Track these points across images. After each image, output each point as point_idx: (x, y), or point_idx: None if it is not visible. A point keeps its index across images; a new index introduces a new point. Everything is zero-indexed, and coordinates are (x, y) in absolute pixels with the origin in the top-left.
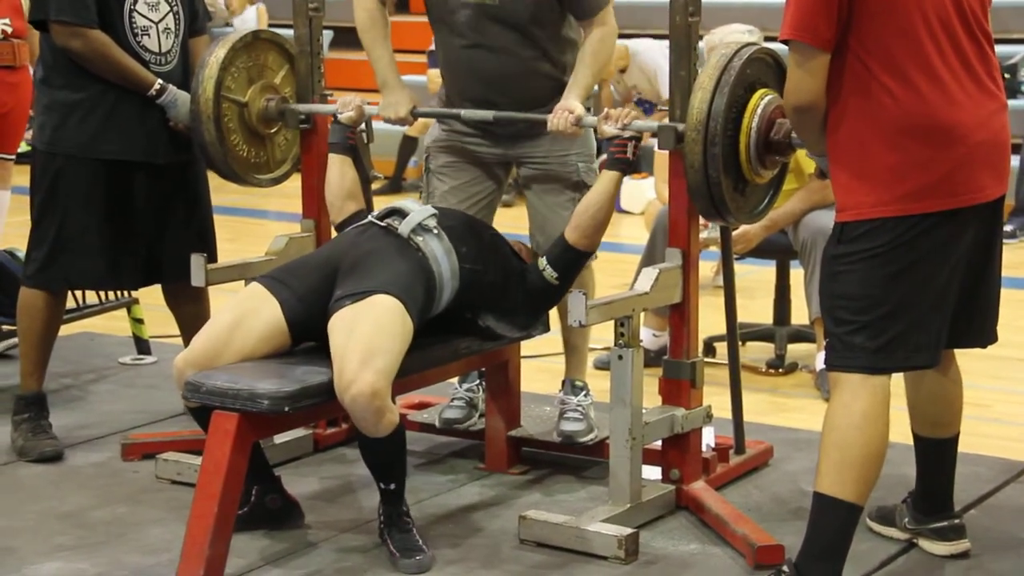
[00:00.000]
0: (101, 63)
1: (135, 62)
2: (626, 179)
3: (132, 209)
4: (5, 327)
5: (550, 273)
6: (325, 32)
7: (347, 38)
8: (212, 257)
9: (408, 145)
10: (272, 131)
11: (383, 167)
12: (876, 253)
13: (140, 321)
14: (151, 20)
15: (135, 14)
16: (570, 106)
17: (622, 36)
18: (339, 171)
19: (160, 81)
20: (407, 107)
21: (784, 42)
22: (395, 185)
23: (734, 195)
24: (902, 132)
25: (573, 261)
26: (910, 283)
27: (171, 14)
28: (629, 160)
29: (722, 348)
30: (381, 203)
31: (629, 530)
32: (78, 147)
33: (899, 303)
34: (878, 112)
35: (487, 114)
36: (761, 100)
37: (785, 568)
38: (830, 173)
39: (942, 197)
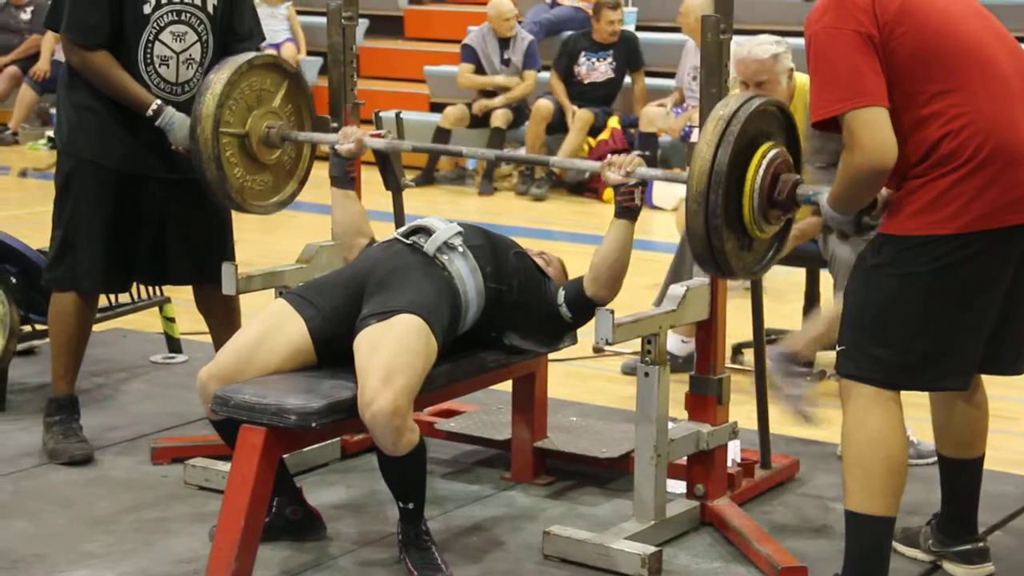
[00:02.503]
0: (97, 81)
1: (134, 83)
2: None
3: (139, 216)
4: (39, 326)
5: (565, 312)
6: (361, 20)
7: (382, 26)
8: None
9: (441, 137)
10: (274, 157)
11: (416, 158)
12: (920, 272)
13: (172, 320)
14: (173, 50)
15: (157, 44)
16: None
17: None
18: (343, 206)
19: (158, 102)
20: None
21: (821, 124)
22: (428, 177)
23: (740, 254)
24: (962, 159)
25: (588, 306)
26: (950, 305)
27: (198, 43)
28: (638, 207)
29: (750, 354)
30: (414, 195)
31: (652, 548)
32: (89, 151)
33: (935, 324)
34: (938, 143)
35: (489, 153)
36: (764, 157)
37: None
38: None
39: (998, 216)
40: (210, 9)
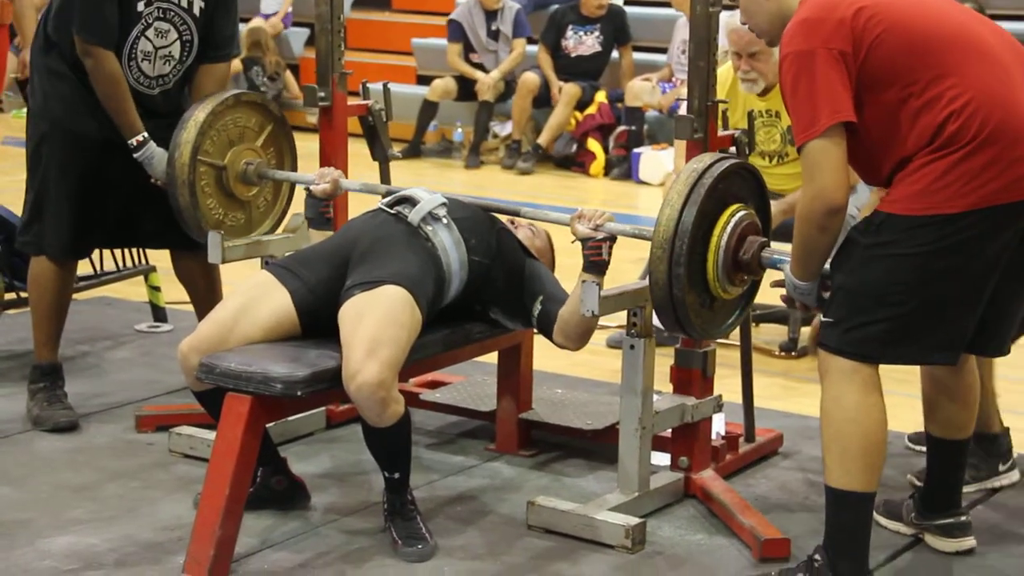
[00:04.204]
0: (102, 88)
1: (133, 108)
2: (646, 149)
3: (110, 181)
4: (23, 293)
5: (534, 322)
6: None
7: None
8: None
9: (428, 110)
10: (250, 194)
11: (403, 131)
12: (922, 251)
13: (157, 289)
14: (154, 46)
15: (142, 40)
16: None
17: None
18: None
19: (144, 135)
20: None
21: (801, 147)
22: (415, 149)
23: (701, 311)
24: (966, 139)
25: (550, 339)
26: (949, 283)
27: (178, 41)
28: (606, 262)
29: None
30: (400, 167)
31: (636, 520)
32: (62, 116)
33: (931, 301)
34: (943, 125)
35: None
36: (732, 217)
37: (817, 556)
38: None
39: (1003, 193)
40: (195, 11)
